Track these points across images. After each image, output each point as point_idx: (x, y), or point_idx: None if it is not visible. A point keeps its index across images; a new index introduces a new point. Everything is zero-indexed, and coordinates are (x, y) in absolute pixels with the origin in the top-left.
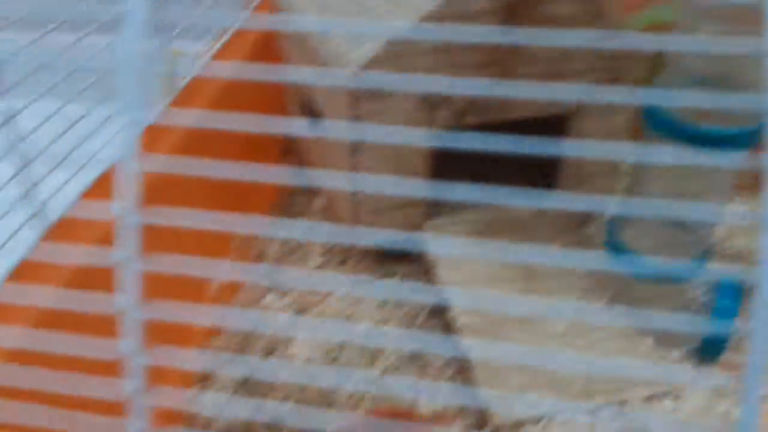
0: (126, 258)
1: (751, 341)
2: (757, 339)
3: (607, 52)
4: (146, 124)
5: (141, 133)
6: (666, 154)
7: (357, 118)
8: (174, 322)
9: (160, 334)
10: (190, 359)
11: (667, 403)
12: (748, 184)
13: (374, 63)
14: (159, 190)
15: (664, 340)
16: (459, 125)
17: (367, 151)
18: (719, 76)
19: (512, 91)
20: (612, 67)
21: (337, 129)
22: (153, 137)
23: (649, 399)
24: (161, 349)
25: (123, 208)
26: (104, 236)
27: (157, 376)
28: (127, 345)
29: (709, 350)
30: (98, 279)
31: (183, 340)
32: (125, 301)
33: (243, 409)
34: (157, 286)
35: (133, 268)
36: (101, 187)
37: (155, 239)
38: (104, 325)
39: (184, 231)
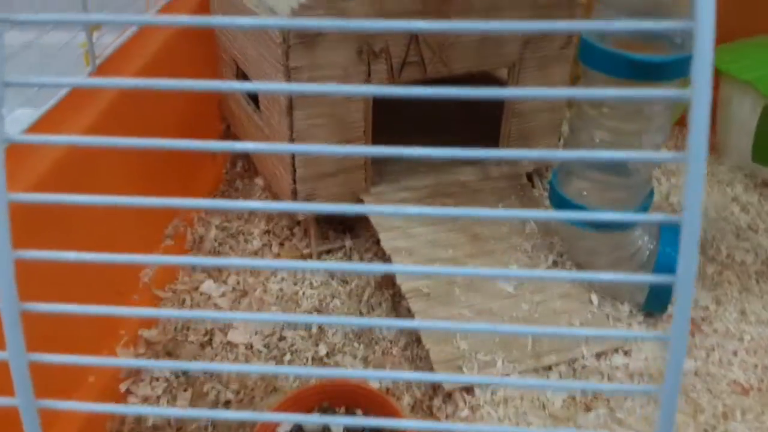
0: None
1: (675, 287)
2: (682, 284)
3: (542, 1)
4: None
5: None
6: (603, 91)
7: (290, 71)
8: (98, 316)
9: (89, 325)
10: (117, 354)
11: (617, 358)
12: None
13: (306, 8)
14: (77, 171)
15: (612, 295)
16: (397, 81)
17: (304, 109)
18: (649, 9)
19: (451, 27)
20: (548, 15)
21: (271, 87)
22: (70, 109)
23: (600, 355)
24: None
25: None
26: None
27: (78, 375)
28: (8, 349)
29: (655, 302)
30: None
31: (115, 329)
32: (3, 300)
33: (179, 405)
34: (85, 279)
35: (6, 260)
36: None
37: (76, 229)
38: None
39: (113, 220)
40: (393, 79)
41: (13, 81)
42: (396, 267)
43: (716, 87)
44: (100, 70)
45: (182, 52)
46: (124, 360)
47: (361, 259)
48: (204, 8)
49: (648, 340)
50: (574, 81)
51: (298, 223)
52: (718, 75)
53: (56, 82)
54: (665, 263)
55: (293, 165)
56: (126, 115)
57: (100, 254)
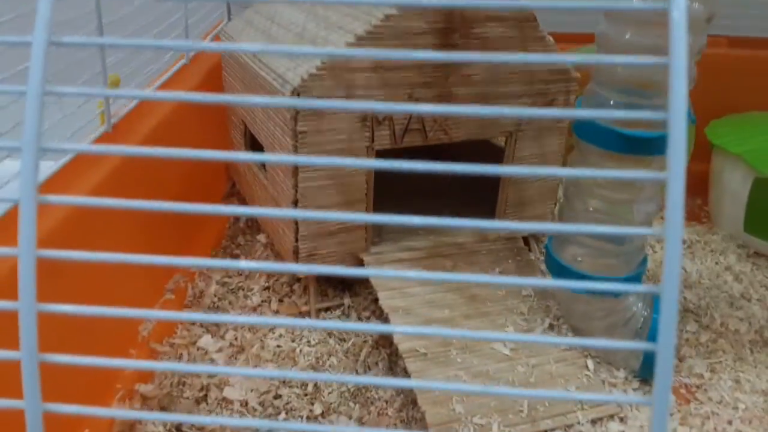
0: (23, 303)
1: (656, 355)
2: (663, 353)
3: (540, 75)
4: (63, 158)
5: (38, 167)
6: (586, 171)
7: (298, 135)
8: (96, 369)
9: (84, 378)
10: (112, 406)
11: (613, 425)
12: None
13: (314, 79)
14: (83, 232)
15: (607, 360)
16: (399, 146)
17: (309, 171)
18: (641, 87)
19: (453, 110)
20: (546, 91)
21: (278, 152)
22: (81, 170)
23: (596, 422)
24: (60, 405)
25: (19, 249)
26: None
27: (74, 425)
28: (26, 398)
29: (650, 369)
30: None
31: (110, 384)
32: (23, 348)
33: None
34: (86, 332)
35: (30, 312)
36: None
37: (84, 285)
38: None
39: (117, 275)
40: (395, 143)
41: (50, 147)
42: (394, 327)
43: (709, 159)
44: (115, 129)
45: (193, 113)
46: (134, 413)
47: (359, 317)
48: (217, 71)
49: (632, 403)
50: (569, 150)
51: (298, 280)
52: (711, 148)
53: (88, 149)
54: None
55: (296, 223)
56: (136, 172)
57: (118, 309)
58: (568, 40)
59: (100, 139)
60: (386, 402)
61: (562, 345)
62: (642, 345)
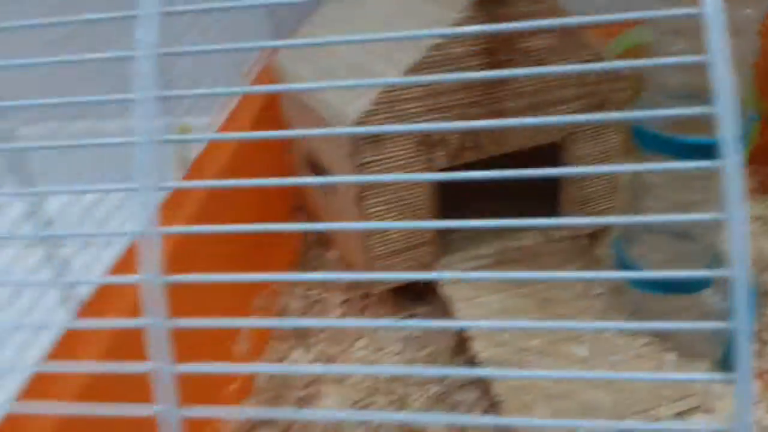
0: (154, 321)
1: (736, 342)
2: (741, 339)
3: (589, 78)
4: (162, 196)
5: (158, 205)
6: (657, 167)
7: (359, 166)
8: (205, 384)
9: (192, 397)
10: (224, 417)
11: (698, 418)
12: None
13: (370, 114)
14: (180, 259)
15: (688, 353)
16: (456, 164)
17: (372, 198)
18: (698, 89)
19: (504, 123)
20: (596, 92)
21: (342, 179)
22: (170, 210)
23: (680, 415)
24: (195, 408)
25: (147, 275)
26: (132, 308)
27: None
28: (162, 405)
29: (732, 359)
30: (132, 349)
31: (215, 401)
32: (158, 361)
33: None
34: (186, 352)
35: (162, 329)
36: (126, 263)
37: (180, 307)
38: (143, 393)
39: (208, 297)
40: (453, 160)
41: (166, 185)
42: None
43: None
44: (193, 168)
45: (260, 143)
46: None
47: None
48: (270, 107)
49: (712, 381)
50: (627, 153)
51: (373, 294)
52: None
53: (201, 184)
54: None
55: (364, 245)
56: (219, 201)
57: (240, 319)
58: (605, 31)
59: (185, 178)
60: (470, 406)
61: (639, 343)
62: (716, 325)
